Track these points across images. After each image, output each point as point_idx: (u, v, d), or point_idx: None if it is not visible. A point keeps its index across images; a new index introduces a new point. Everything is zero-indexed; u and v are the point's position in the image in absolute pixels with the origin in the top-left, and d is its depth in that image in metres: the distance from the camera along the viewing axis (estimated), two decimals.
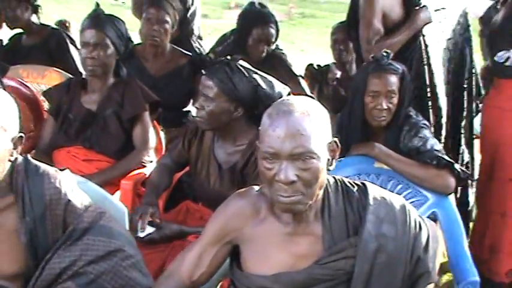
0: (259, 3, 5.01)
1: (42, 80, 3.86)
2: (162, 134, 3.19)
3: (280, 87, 2.56)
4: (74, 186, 1.86)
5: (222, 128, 2.50)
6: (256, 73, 2.51)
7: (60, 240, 1.80)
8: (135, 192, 2.78)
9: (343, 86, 4.12)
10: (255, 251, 1.76)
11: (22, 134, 1.78)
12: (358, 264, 1.67)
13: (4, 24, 4.23)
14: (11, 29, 4.23)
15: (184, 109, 3.79)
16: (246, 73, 2.45)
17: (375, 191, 1.75)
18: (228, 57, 2.52)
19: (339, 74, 4.21)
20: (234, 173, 2.54)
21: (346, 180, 1.78)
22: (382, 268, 1.68)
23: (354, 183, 1.77)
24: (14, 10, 4.01)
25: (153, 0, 3.68)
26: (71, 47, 4.10)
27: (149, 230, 2.43)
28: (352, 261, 1.68)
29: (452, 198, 2.67)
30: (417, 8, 3.04)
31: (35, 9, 4.11)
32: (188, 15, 4.35)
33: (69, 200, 1.81)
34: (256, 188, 1.83)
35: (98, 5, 3.00)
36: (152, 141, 2.96)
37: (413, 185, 2.60)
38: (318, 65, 4.34)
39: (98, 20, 2.92)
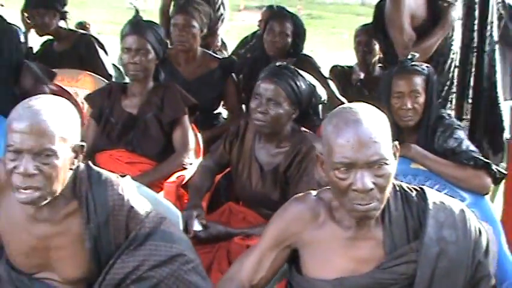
0: (277, 6, 5.00)
1: (77, 83, 3.81)
2: (199, 136, 3.12)
3: (320, 89, 2.52)
4: (135, 192, 1.81)
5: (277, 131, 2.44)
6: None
7: (123, 245, 1.75)
8: (177, 193, 2.72)
9: (367, 87, 4.06)
10: (315, 255, 1.70)
11: (83, 143, 1.73)
12: (420, 269, 1.61)
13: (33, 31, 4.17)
14: (40, 35, 4.15)
15: (215, 111, 3.75)
16: (305, 76, 2.41)
17: (433, 196, 1.69)
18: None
19: (362, 75, 4.14)
20: (276, 174, 2.49)
21: (404, 185, 1.73)
22: (444, 272, 1.62)
23: (413, 187, 1.72)
24: (43, 17, 3.94)
25: (181, 7, 3.65)
26: (100, 51, 4.05)
27: (196, 229, 2.39)
28: (413, 266, 1.62)
29: (488, 198, 2.60)
30: (446, 4, 2.96)
31: (63, 16, 4.04)
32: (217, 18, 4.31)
33: (132, 206, 1.76)
34: (314, 193, 1.77)
35: (137, 11, 2.95)
36: (192, 143, 2.90)
37: (451, 185, 2.54)
38: (342, 66, 4.27)
39: (139, 26, 2.87)
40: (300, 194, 1.80)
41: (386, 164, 1.54)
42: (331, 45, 12.06)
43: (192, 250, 1.83)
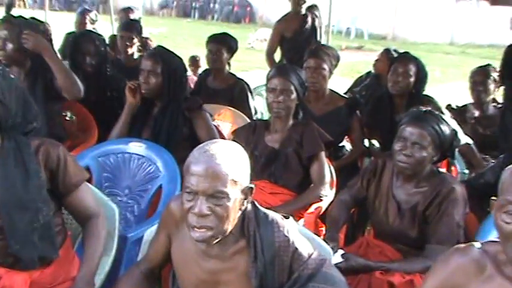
0: (394, 50, 4.73)
1: (219, 116, 3.71)
2: (332, 169, 2.90)
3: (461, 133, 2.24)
4: (298, 234, 1.61)
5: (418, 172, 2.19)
6: None
7: (286, 285, 1.56)
8: (316, 223, 2.52)
9: (481, 124, 3.68)
10: None
11: (252, 185, 1.56)
12: None
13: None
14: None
15: (340, 144, 3.53)
16: (447, 121, 2.15)
17: None
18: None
19: (476, 113, 3.77)
20: (415, 213, 2.22)
21: None
22: None
23: None
24: (216, 54, 3.93)
25: (312, 51, 3.48)
26: (250, 97, 3.97)
27: (336, 260, 2.16)
28: None
29: None
30: None
31: (231, 57, 4.04)
32: None
33: (296, 248, 1.57)
34: (477, 245, 1.50)
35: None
36: (327, 177, 2.69)
37: None
38: (456, 105, 3.92)
39: (285, 69, 2.75)
40: (462, 245, 1.53)
41: None
42: None
43: None
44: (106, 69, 3.59)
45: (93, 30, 5.03)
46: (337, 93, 3.56)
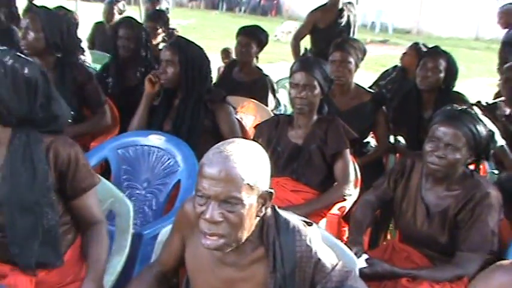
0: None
1: (242, 109, 3.54)
2: (357, 167, 2.70)
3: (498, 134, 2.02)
4: (321, 243, 1.43)
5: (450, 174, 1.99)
6: None
7: None
8: (340, 224, 2.33)
9: None
10: None
11: (272, 190, 1.38)
12: None
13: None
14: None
15: (364, 140, 3.32)
16: (484, 121, 1.93)
17: None
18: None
19: (508, 111, 3.51)
20: (445, 217, 2.01)
21: None
22: None
23: None
24: (245, 47, 3.79)
25: (338, 44, 3.26)
26: (270, 94, 3.81)
27: (360, 265, 1.97)
28: None
29: None
30: None
31: (260, 50, 3.89)
32: None
33: (319, 259, 1.39)
34: None
35: (306, 50, 2.60)
36: (352, 175, 2.49)
37: None
38: (486, 102, 3.66)
39: (308, 63, 2.51)
40: (506, 262, 1.33)
41: None
42: None
43: None
44: (142, 55, 3.49)
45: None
46: (362, 87, 3.35)
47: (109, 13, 5.13)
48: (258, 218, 1.37)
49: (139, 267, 1.98)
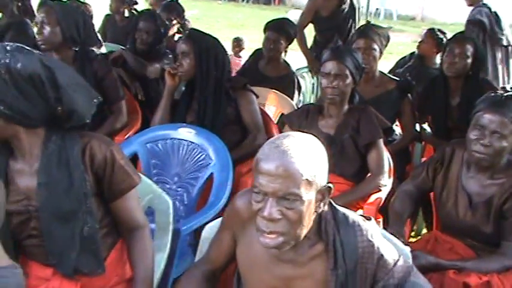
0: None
1: (266, 101, 3.48)
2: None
3: None
4: (382, 238, 1.38)
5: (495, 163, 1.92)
6: None
7: None
8: (376, 216, 2.27)
9: None
10: None
11: (330, 185, 1.32)
12: None
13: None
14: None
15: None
16: None
17: None
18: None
19: None
20: (490, 206, 1.95)
21: None
22: None
23: None
24: (274, 42, 3.72)
25: (362, 31, 3.20)
26: (296, 85, 3.77)
27: None
28: None
29: None
30: None
31: (289, 44, 3.84)
32: None
33: (382, 255, 1.33)
34: None
35: (336, 38, 2.53)
36: (386, 166, 2.43)
37: None
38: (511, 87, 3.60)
39: (339, 52, 2.44)
40: None
41: None
42: None
43: None
44: (159, 49, 3.47)
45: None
46: (387, 75, 3.28)
47: (116, 4, 5.07)
48: (316, 214, 1.32)
49: (177, 264, 1.94)
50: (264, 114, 2.94)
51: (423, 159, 3.30)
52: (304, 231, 1.29)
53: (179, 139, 2.44)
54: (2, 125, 1.42)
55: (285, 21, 3.91)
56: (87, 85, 1.59)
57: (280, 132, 2.84)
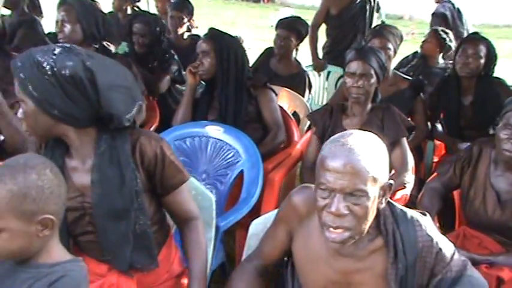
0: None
1: (278, 99, 3.50)
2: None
3: None
4: (438, 232, 1.42)
5: None
6: None
7: None
8: None
9: None
10: None
11: (391, 181, 1.36)
12: None
13: None
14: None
15: None
16: None
17: None
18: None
19: None
20: None
21: None
22: None
23: None
24: (285, 40, 3.76)
25: (376, 31, 3.25)
26: (307, 84, 3.83)
27: None
28: None
29: None
30: None
31: (300, 42, 3.88)
32: None
33: (440, 249, 1.38)
34: None
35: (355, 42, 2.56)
36: (410, 163, 2.48)
37: None
38: None
39: (363, 52, 2.49)
40: None
41: None
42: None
43: None
44: (157, 50, 3.44)
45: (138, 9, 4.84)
46: (400, 74, 3.34)
47: (119, 2, 5.06)
48: (376, 210, 1.36)
49: (215, 259, 1.97)
50: (283, 112, 2.98)
51: (435, 157, 3.38)
52: (367, 226, 1.33)
53: (207, 136, 2.46)
54: (52, 124, 1.44)
55: (297, 19, 3.95)
56: (132, 86, 1.55)
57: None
